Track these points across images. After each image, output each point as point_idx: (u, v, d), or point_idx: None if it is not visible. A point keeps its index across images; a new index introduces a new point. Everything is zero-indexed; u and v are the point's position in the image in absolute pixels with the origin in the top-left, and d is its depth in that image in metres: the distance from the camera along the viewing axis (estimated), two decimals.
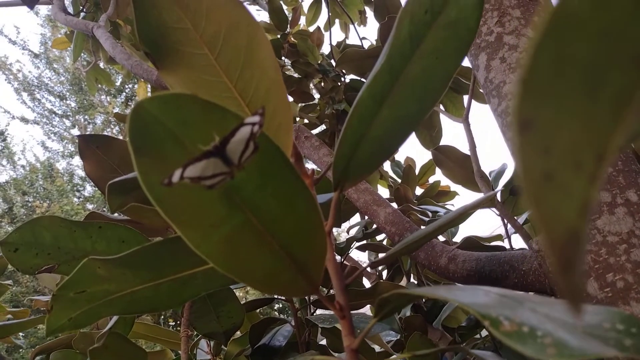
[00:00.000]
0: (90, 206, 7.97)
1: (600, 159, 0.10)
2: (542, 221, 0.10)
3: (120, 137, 0.69)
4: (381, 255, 1.27)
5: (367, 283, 1.52)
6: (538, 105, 0.09)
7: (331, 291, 0.90)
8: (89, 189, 8.22)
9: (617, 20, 0.09)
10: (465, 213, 0.48)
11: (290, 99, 1.87)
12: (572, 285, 0.11)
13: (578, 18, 0.08)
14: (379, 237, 1.39)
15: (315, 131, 1.86)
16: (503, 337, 0.20)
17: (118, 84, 7.95)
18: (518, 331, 0.20)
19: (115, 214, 0.63)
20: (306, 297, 0.94)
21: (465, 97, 1.40)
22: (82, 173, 8.35)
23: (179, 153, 0.26)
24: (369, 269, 1.48)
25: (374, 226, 1.24)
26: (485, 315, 0.22)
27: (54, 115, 8.74)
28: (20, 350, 4.47)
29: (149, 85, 2.17)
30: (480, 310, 0.22)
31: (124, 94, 8.43)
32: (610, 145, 0.10)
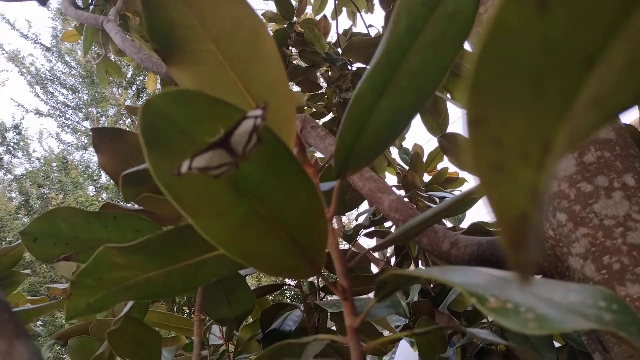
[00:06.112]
0: (104, 195, 8.07)
1: (546, 150, 0.11)
2: (493, 206, 0.12)
3: (132, 130, 0.71)
4: None
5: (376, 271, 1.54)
6: (486, 105, 0.11)
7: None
8: (103, 179, 8.31)
9: (556, 30, 0.10)
10: (467, 198, 0.49)
11: (298, 88, 1.88)
12: (520, 262, 0.13)
13: (515, 28, 0.10)
14: (388, 225, 1.41)
15: (324, 120, 1.87)
16: (489, 312, 0.22)
17: (129, 76, 8.00)
18: (503, 307, 0.22)
19: (129, 204, 0.65)
20: (315, 283, 0.96)
21: None
22: (95, 165, 8.46)
23: (187, 145, 0.27)
24: (376, 256, 1.49)
25: (382, 214, 1.25)
26: (473, 293, 0.23)
27: (67, 108, 8.81)
28: (39, 338, 4.56)
29: (159, 78, 2.19)
30: (469, 289, 0.24)
31: (135, 86, 8.48)
32: (556, 138, 0.11)
